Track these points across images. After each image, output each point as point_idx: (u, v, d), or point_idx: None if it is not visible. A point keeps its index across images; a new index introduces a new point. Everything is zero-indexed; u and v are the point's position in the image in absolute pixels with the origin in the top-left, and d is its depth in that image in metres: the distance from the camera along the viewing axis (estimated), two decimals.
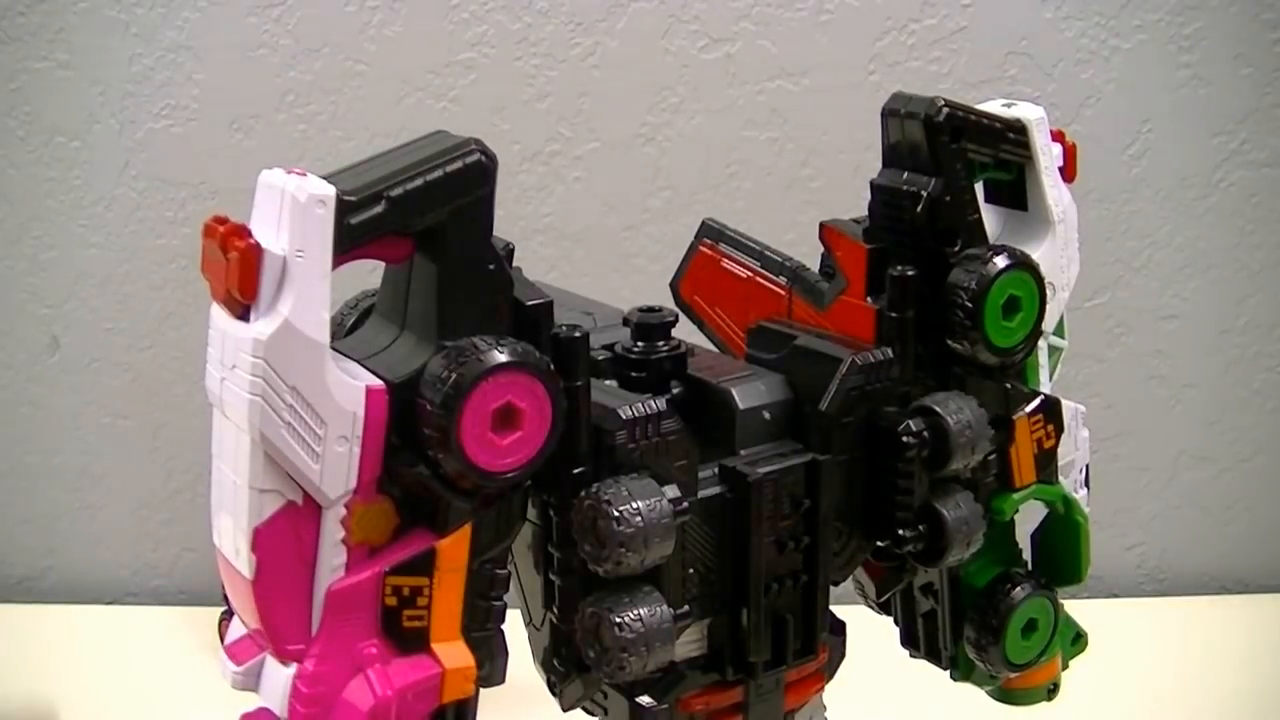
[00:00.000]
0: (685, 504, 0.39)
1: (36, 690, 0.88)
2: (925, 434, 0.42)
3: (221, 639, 1.01)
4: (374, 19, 0.94)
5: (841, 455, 0.42)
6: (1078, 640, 0.54)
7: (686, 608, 0.40)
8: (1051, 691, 0.53)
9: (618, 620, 0.38)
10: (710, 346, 0.48)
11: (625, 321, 0.45)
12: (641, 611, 0.38)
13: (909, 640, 0.51)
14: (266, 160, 1.05)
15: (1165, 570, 1.05)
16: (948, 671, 0.51)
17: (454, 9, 0.93)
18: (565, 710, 0.41)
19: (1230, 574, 1.05)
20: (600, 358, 0.43)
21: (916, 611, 0.50)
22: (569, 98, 0.95)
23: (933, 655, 0.50)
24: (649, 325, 0.44)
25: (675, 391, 0.43)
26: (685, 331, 0.47)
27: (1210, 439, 1.03)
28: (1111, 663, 0.92)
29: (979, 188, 0.47)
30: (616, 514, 0.38)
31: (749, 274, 0.48)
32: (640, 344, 0.44)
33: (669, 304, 0.49)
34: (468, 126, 1.06)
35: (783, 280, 0.48)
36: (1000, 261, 0.44)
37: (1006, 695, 0.53)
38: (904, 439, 0.41)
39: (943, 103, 0.45)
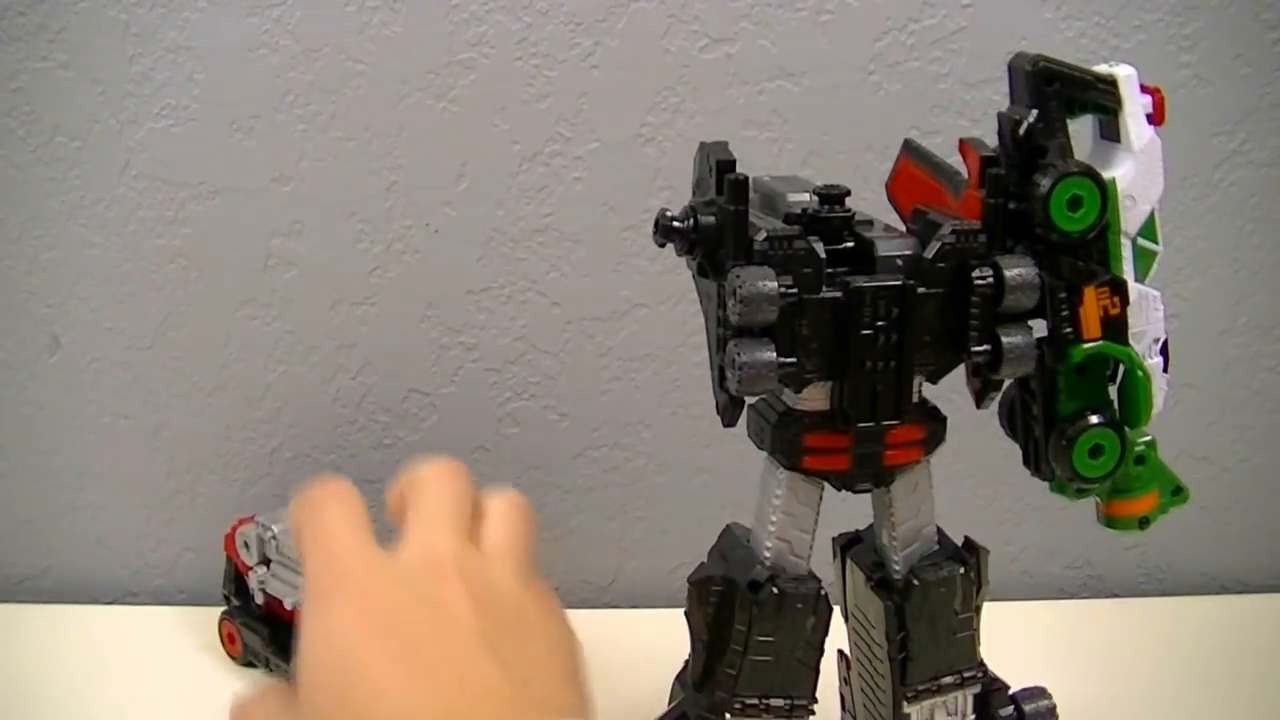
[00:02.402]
0: (795, 290, 0.58)
1: (36, 690, 0.89)
2: (990, 279, 0.60)
3: (222, 640, 1.02)
4: (374, 19, 0.94)
5: (935, 288, 0.60)
6: (1178, 493, 0.67)
7: (809, 363, 0.59)
8: (1143, 523, 0.67)
9: (738, 353, 0.57)
10: (900, 226, 0.66)
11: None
12: (755, 352, 0.57)
13: (1026, 460, 0.67)
14: (266, 160, 1.06)
15: (1165, 570, 1.05)
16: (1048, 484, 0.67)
17: (454, 9, 0.93)
18: (726, 426, 0.62)
19: (1230, 574, 1.05)
20: (799, 213, 0.62)
21: (1031, 436, 0.66)
22: (569, 98, 0.95)
23: (1039, 471, 0.66)
24: (828, 195, 0.62)
25: (848, 244, 0.61)
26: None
27: (1210, 439, 1.03)
28: (1112, 663, 0.92)
29: (1093, 124, 0.65)
30: (737, 282, 0.57)
31: (927, 178, 0.66)
32: (824, 207, 0.62)
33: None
34: (468, 126, 1.07)
35: (944, 181, 0.65)
36: (1064, 169, 0.61)
37: (1107, 520, 0.67)
38: (974, 281, 0.59)
39: (1038, 57, 0.62)
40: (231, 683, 0.90)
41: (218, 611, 0.94)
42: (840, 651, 0.71)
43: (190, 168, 0.96)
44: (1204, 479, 1.03)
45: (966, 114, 0.95)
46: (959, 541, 0.67)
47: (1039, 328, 0.63)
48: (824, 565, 0.67)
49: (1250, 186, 0.98)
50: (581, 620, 1.08)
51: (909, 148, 0.69)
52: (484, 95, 0.95)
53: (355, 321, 0.99)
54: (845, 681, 0.73)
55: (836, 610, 0.66)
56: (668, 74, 0.94)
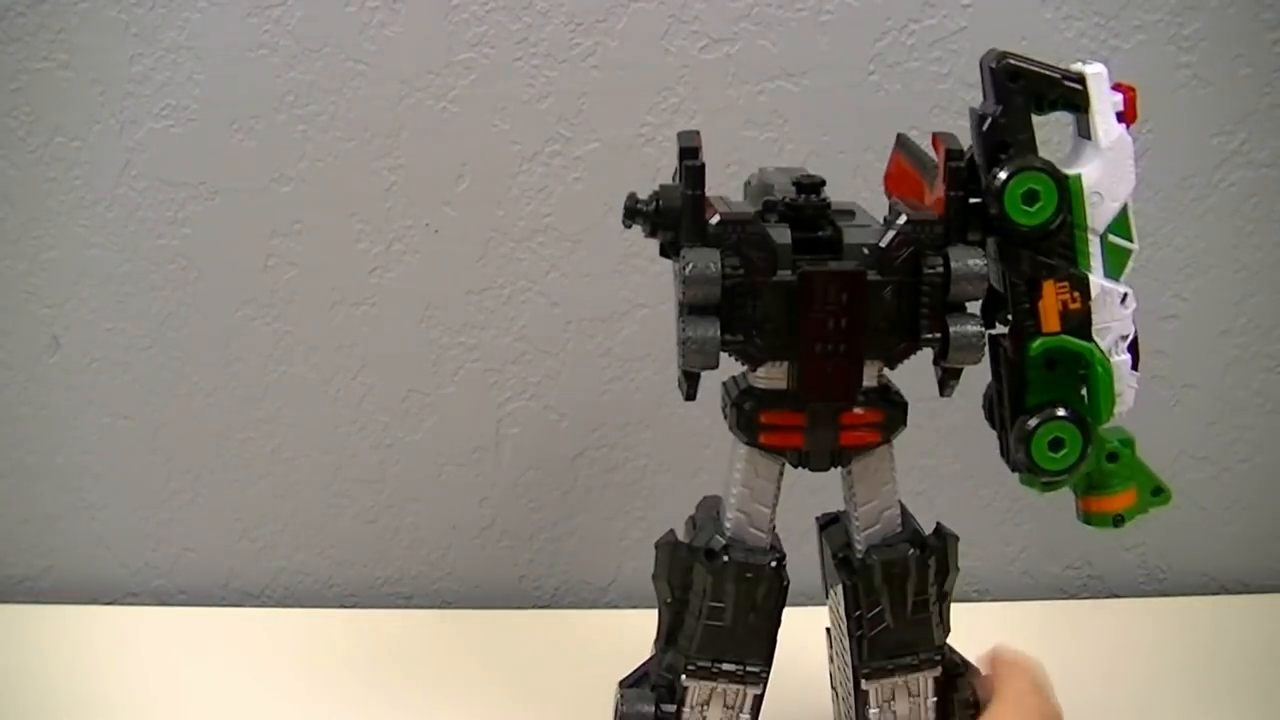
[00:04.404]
0: (741, 271, 0.61)
1: (36, 690, 0.89)
2: (939, 268, 0.61)
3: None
4: (374, 19, 0.94)
5: (889, 276, 0.62)
6: (1159, 493, 0.68)
7: (761, 341, 0.62)
8: (1118, 521, 0.68)
9: (684, 329, 0.61)
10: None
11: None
12: (699, 329, 0.60)
13: (1002, 451, 0.68)
14: (266, 160, 1.06)
15: (1165, 570, 1.05)
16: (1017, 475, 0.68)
17: (454, 9, 0.93)
18: (685, 400, 0.65)
19: (1230, 574, 1.05)
20: (777, 201, 0.64)
21: (1003, 428, 0.67)
22: (569, 98, 0.95)
23: (1011, 463, 0.67)
24: (803, 184, 0.64)
25: (824, 232, 0.63)
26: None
27: (1210, 439, 1.03)
28: (1112, 663, 0.92)
29: (1075, 122, 0.65)
30: (684, 262, 0.60)
31: (913, 172, 0.68)
32: (801, 196, 0.64)
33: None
34: (468, 126, 1.07)
35: (925, 174, 0.67)
36: (1021, 163, 0.62)
37: (1084, 516, 0.68)
38: (925, 270, 0.61)
39: (1004, 54, 0.63)
40: (231, 683, 0.90)
41: (217, 611, 0.93)
42: (827, 629, 0.72)
43: (190, 168, 0.96)
44: (1204, 479, 1.03)
45: (966, 114, 0.95)
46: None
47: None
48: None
49: (1250, 187, 0.98)
50: (581, 620, 1.08)
51: (901, 142, 0.70)
52: (484, 95, 0.95)
53: (355, 321, 0.99)
54: (831, 659, 0.74)
55: (819, 587, 0.69)
56: (668, 74, 0.94)
